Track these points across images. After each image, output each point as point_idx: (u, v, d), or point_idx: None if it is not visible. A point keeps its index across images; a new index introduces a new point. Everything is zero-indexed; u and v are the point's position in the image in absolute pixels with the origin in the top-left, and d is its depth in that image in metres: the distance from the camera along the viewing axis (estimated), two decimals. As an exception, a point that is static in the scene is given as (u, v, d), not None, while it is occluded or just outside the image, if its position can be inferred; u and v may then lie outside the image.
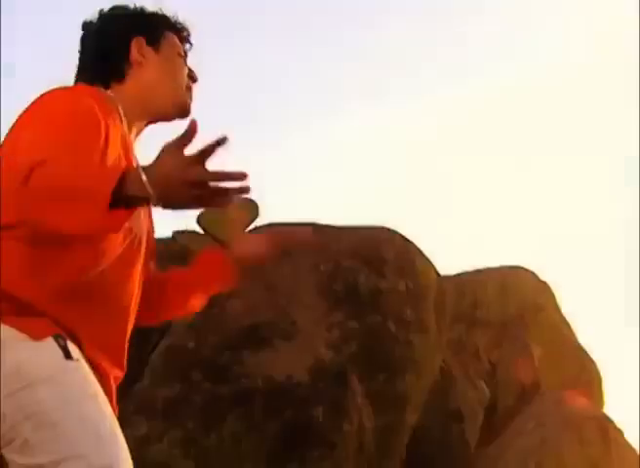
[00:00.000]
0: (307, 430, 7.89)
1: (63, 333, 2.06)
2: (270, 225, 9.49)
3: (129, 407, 7.24)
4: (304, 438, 7.87)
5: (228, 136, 1.82)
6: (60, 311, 2.08)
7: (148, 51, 2.38)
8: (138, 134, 2.42)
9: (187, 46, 2.48)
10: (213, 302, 2.64)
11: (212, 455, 7.76)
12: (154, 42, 2.39)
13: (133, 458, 2.09)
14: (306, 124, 20.85)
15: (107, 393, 2.16)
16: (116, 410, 2.20)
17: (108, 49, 2.37)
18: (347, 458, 7.95)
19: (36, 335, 2.01)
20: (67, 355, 2.02)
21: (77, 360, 2.04)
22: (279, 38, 20.26)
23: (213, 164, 1.82)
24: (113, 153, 2.16)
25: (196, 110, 2.51)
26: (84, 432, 1.94)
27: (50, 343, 2.02)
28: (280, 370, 8.04)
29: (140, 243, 2.26)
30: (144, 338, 7.45)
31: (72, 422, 1.94)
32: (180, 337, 8.18)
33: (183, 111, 2.42)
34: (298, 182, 20.11)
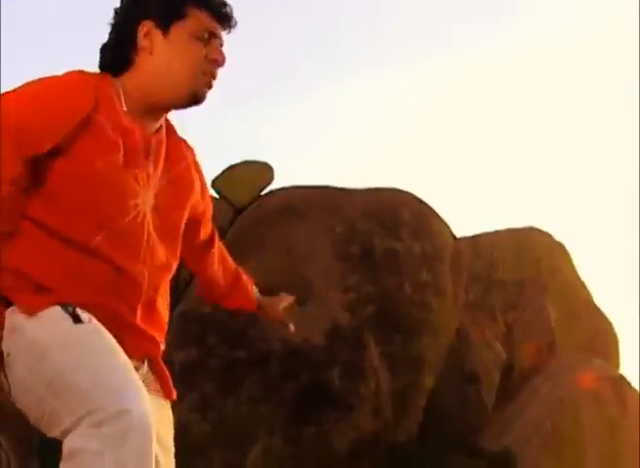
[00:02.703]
0: (324, 393, 7.91)
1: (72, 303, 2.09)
2: (283, 189, 9.49)
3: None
4: (321, 400, 7.90)
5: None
6: (70, 289, 2.11)
7: (156, 35, 2.22)
8: (155, 119, 2.29)
9: (220, 24, 2.27)
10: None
11: (229, 419, 7.80)
12: (164, 25, 2.22)
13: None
14: (317, 87, 20.77)
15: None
16: (166, 381, 2.29)
17: (116, 36, 2.26)
18: (364, 420, 7.98)
19: (31, 310, 2.06)
20: (77, 319, 2.05)
21: (88, 321, 2.07)
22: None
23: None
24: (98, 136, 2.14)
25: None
26: (97, 385, 1.96)
27: (56, 312, 2.06)
28: (296, 333, 8.04)
29: (144, 217, 2.22)
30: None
31: (84, 379, 1.97)
32: (195, 302, 8.19)
33: (194, 100, 2.26)
34: (311, 146, 20.06)
